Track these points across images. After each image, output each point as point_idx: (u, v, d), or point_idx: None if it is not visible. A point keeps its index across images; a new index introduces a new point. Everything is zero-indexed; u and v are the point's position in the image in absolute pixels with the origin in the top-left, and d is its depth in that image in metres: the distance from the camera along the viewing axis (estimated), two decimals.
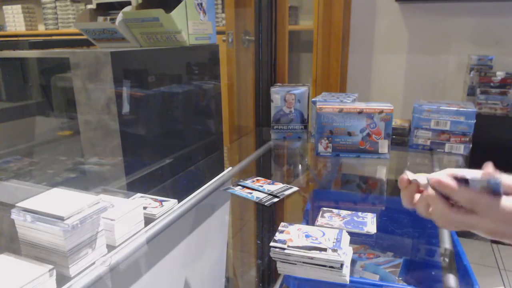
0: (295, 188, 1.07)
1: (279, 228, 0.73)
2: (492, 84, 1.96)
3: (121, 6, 1.16)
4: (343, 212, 0.93)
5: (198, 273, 0.91)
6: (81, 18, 1.22)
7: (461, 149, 1.29)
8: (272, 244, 0.67)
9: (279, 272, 0.69)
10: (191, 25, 1.16)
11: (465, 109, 1.27)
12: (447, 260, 0.77)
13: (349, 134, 1.26)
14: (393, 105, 1.25)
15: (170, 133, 1.17)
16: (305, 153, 1.50)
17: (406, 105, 2.34)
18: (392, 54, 2.38)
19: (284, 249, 0.67)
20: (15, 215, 0.61)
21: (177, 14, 1.10)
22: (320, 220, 0.89)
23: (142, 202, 0.82)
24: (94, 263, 0.65)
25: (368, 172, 1.30)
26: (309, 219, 0.91)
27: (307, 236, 0.70)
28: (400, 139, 1.43)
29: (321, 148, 1.30)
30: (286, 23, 1.90)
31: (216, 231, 1.03)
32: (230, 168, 1.23)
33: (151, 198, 0.90)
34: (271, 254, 0.68)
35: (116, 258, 0.68)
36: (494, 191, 0.49)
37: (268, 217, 1.08)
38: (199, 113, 1.29)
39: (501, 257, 1.97)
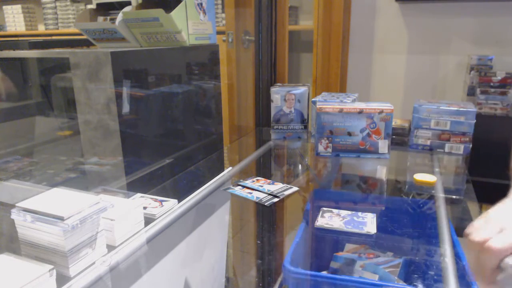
0: (295, 188, 1.07)
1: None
2: (492, 84, 1.95)
3: (121, 6, 1.16)
4: (343, 212, 0.93)
5: (198, 273, 0.91)
6: (81, 18, 1.22)
7: (461, 149, 1.29)
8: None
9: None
10: (191, 25, 1.16)
11: (465, 109, 1.27)
12: (447, 260, 0.77)
13: (349, 134, 1.26)
14: (393, 105, 1.25)
15: (170, 133, 1.17)
16: (305, 153, 1.50)
17: (406, 105, 2.34)
18: (392, 54, 2.38)
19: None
20: (15, 215, 0.61)
21: (177, 14, 1.10)
22: (320, 220, 0.89)
23: (142, 202, 0.82)
24: (94, 263, 0.65)
25: (368, 172, 1.30)
26: (309, 219, 0.91)
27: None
28: (400, 139, 1.43)
29: (321, 148, 1.30)
30: (286, 23, 1.89)
31: (216, 231, 1.03)
32: (230, 168, 1.23)
33: (151, 198, 0.90)
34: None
35: (116, 258, 0.68)
36: None
37: (268, 217, 1.08)
38: (199, 113, 1.29)
39: None
